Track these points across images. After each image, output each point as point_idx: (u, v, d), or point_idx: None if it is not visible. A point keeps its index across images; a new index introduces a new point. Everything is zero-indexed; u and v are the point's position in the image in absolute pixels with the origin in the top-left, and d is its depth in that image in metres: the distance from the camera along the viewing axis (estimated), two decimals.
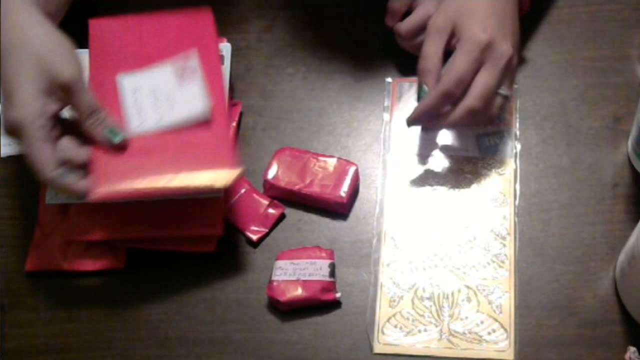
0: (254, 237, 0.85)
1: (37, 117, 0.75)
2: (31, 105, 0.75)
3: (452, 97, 0.81)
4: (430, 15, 0.86)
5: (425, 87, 0.82)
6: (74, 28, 0.82)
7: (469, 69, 0.81)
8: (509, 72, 0.83)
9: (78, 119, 0.78)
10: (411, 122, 0.85)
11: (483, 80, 0.81)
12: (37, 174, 0.76)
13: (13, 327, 0.83)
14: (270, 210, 0.86)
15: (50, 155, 0.75)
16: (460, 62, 0.81)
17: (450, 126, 0.85)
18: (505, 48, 0.81)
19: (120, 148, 0.79)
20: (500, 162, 0.87)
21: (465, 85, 0.81)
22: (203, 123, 0.80)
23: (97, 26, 0.87)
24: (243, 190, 0.87)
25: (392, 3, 0.92)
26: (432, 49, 0.83)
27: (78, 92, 0.77)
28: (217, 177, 0.78)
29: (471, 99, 0.81)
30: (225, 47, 0.88)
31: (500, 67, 0.81)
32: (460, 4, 0.83)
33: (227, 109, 0.83)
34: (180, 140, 0.80)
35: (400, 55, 0.92)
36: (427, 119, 0.84)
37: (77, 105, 0.78)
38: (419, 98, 0.83)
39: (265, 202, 0.86)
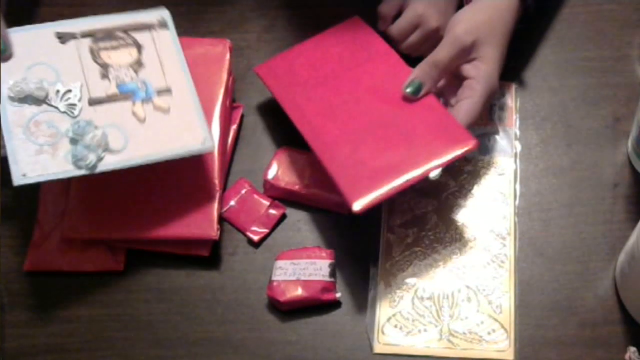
0: (255, 238, 0.85)
1: None
2: None
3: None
4: (419, 15, 0.86)
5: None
6: None
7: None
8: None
9: None
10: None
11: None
12: None
13: (13, 327, 0.83)
14: (271, 211, 0.86)
15: None
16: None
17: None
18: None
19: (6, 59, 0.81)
20: (500, 162, 0.87)
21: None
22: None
23: (265, 69, 0.90)
24: (244, 191, 0.87)
25: (382, 7, 0.92)
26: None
27: None
28: None
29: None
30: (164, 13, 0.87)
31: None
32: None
33: None
34: None
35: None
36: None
37: None
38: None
39: (266, 202, 0.86)
